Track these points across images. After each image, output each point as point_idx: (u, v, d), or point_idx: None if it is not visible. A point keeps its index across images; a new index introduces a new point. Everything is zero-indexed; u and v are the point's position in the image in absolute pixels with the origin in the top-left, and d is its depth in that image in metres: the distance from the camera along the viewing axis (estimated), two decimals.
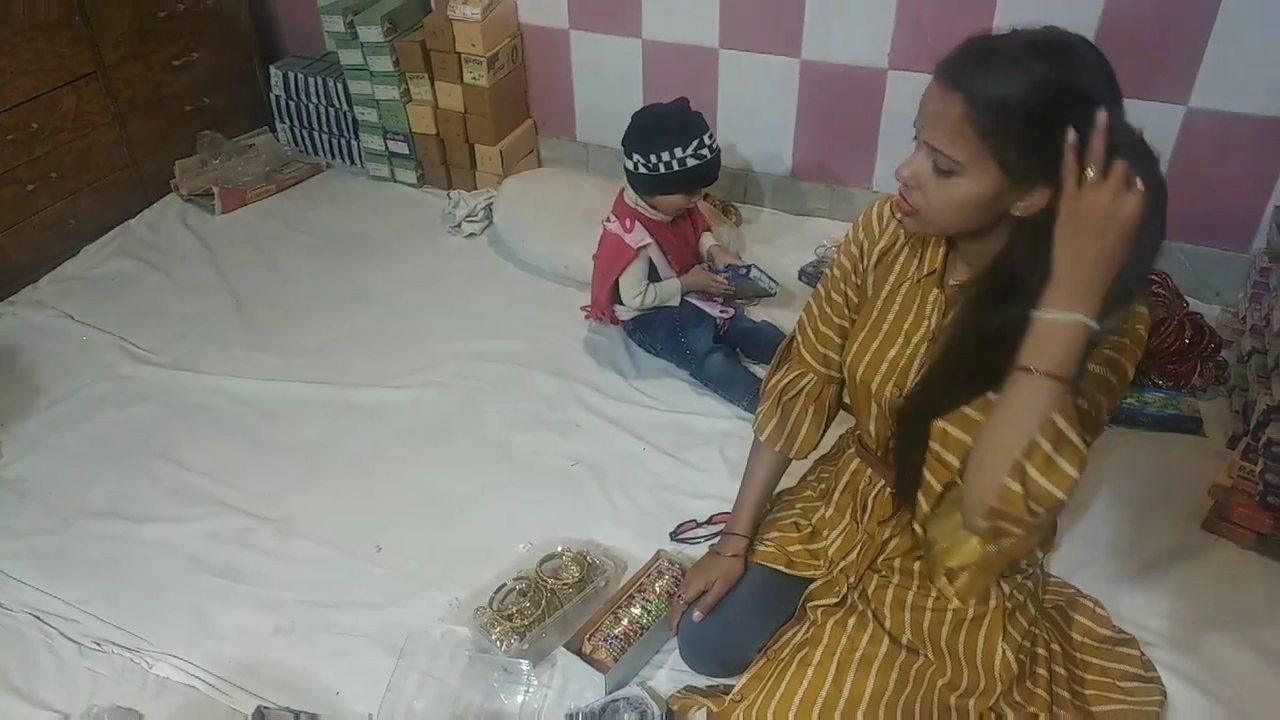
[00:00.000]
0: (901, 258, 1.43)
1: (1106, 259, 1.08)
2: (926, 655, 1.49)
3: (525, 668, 1.65)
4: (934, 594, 1.50)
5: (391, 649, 1.72)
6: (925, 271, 1.39)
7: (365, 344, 2.58)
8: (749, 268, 2.38)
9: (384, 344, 2.58)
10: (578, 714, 1.58)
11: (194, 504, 2.07)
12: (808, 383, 1.60)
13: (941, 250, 1.36)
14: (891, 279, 1.44)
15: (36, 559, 1.94)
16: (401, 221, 3.16)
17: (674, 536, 1.94)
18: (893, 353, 1.42)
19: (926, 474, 1.36)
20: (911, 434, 1.38)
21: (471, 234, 3.04)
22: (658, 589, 1.74)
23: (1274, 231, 2.35)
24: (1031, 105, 1.10)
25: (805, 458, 1.68)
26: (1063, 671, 1.57)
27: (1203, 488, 1.99)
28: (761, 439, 1.66)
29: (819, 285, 1.57)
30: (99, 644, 1.76)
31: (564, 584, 1.78)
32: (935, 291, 1.37)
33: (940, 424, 1.31)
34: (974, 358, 1.25)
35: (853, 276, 1.50)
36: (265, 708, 1.60)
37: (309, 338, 2.62)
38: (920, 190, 1.22)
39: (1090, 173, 1.07)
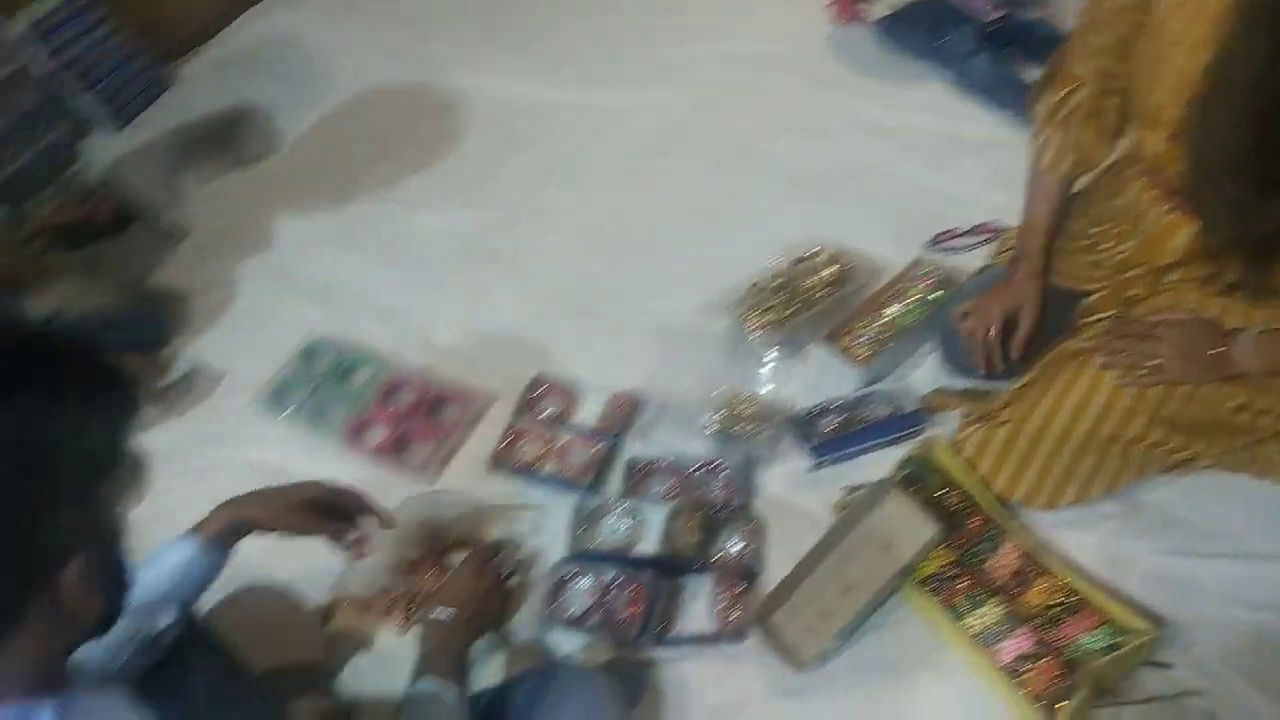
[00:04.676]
0: None
1: None
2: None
3: (779, 358, 1.70)
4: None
5: (651, 336, 1.80)
6: None
7: (606, 45, 2.54)
8: None
9: (629, 45, 2.53)
10: (832, 403, 1.63)
11: (460, 193, 2.19)
12: (1081, 97, 1.43)
13: None
14: None
15: (327, 237, 2.13)
16: None
17: (933, 244, 1.88)
18: (1179, 63, 1.23)
19: None
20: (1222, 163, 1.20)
21: None
22: (917, 292, 1.72)
23: None
24: None
25: (1095, 169, 1.54)
26: None
27: None
28: (1040, 167, 1.51)
29: None
30: (391, 311, 1.94)
31: (820, 283, 1.77)
32: None
33: None
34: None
35: None
36: (542, 376, 1.74)
37: (552, 40, 2.59)
38: None
39: None
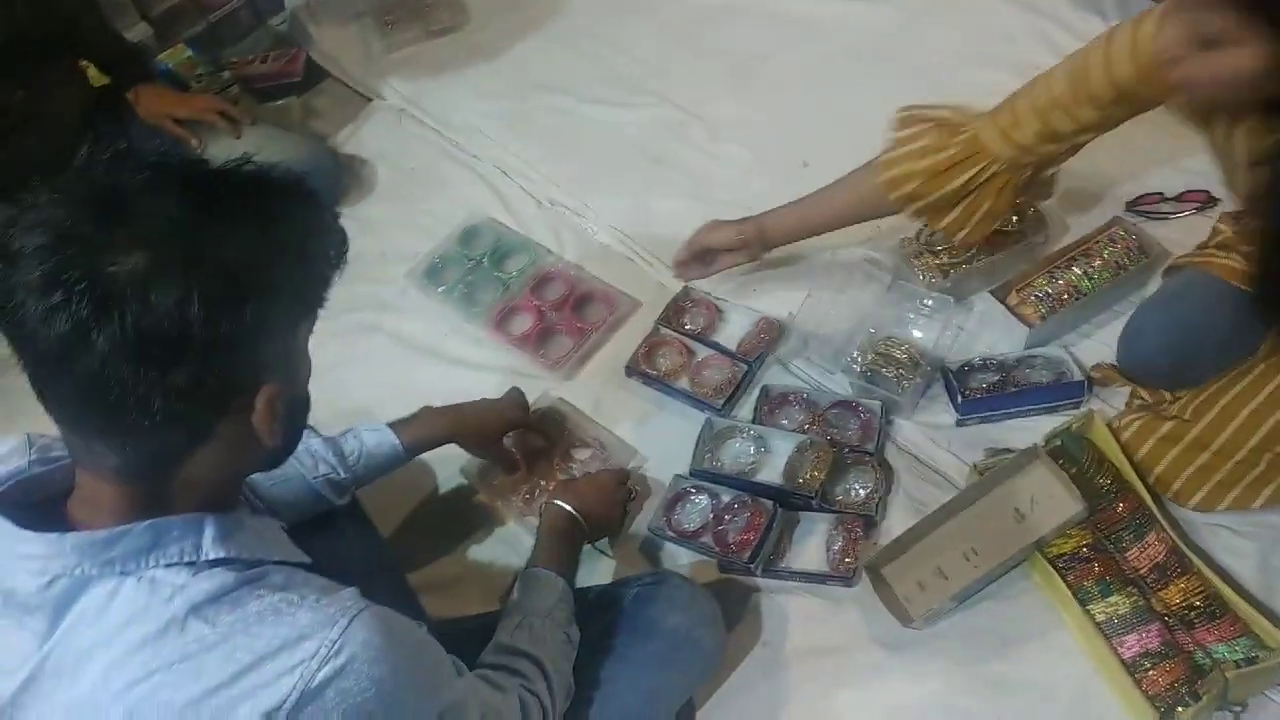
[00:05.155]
0: None
1: None
2: None
3: (941, 304, 1.62)
4: None
5: (810, 263, 1.75)
6: None
7: None
8: None
9: None
10: (990, 360, 1.55)
11: (634, 92, 2.14)
12: (990, 175, 1.37)
13: None
14: None
15: (501, 120, 2.14)
16: None
17: (1131, 206, 1.73)
18: None
19: None
20: None
21: None
22: (1106, 256, 1.59)
23: None
24: None
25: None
26: None
27: None
28: (891, 196, 1.46)
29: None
30: (552, 202, 1.95)
31: (1001, 231, 1.66)
32: None
33: None
34: None
35: None
36: (691, 288, 1.72)
37: None
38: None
39: None
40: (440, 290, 1.79)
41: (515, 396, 1.50)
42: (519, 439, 1.50)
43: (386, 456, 1.27)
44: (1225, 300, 1.35)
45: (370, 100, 2.24)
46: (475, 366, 1.69)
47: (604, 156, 2.03)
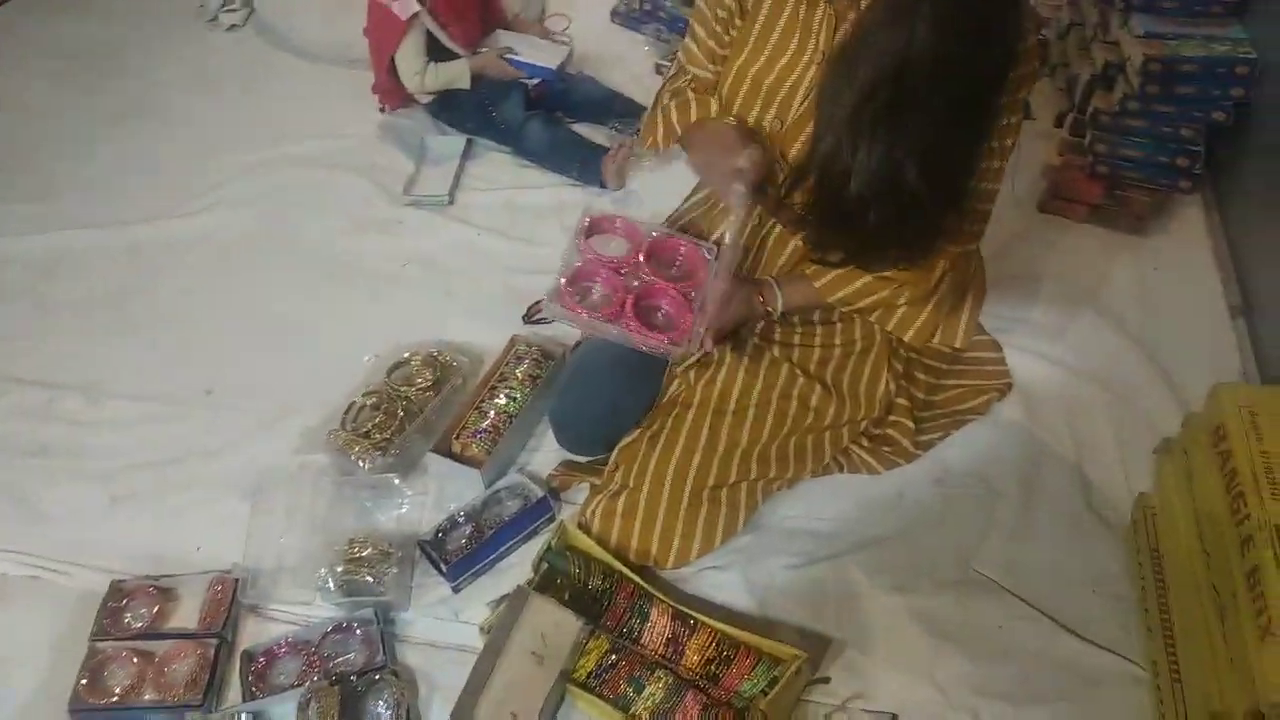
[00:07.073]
0: None
1: None
2: (818, 391, 1.48)
3: (394, 482, 1.57)
4: (819, 335, 1.48)
5: (246, 492, 1.59)
6: None
7: (143, 171, 2.28)
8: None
9: (165, 167, 2.29)
10: (459, 514, 1.53)
11: None
12: (689, 82, 1.47)
13: None
14: None
15: None
16: (150, 23, 2.74)
17: (527, 319, 1.84)
18: (770, 79, 1.30)
19: None
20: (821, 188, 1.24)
21: (233, 26, 2.69)
22: (519, 375, 1.66)
23: None
24: None
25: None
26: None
27: (1036, 171, 2.02)
28: (643, 145, 1.57)
29: None
30: None
31: (419, 389, 1.67)
32: (823, 7, 1.24)
33: None
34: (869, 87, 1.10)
35: None
36: (121, 581, 1.47)
37: (74, 176, 2.28)
38: None
39: None
40: None
41: None
42: None
43: None
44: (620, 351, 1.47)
45: None
46: None
47: None
